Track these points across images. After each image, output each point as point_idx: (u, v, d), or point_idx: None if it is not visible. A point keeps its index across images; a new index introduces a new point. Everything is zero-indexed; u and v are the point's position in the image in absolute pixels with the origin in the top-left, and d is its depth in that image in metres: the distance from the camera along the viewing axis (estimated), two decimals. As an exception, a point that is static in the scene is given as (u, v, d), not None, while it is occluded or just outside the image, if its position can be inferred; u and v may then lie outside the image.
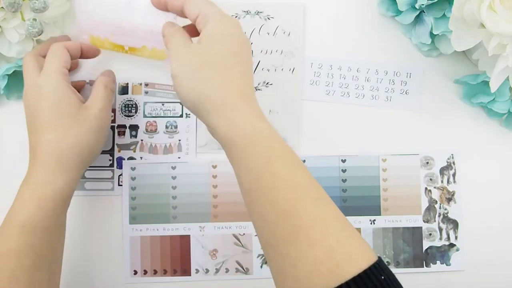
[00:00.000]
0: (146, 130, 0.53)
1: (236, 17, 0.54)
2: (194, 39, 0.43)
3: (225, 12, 0.42)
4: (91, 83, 0.53)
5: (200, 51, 0.40)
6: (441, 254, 0.54)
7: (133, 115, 0.53)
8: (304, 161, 0.54)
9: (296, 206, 0.36)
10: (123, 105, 0.53)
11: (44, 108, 0.43)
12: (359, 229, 0.53)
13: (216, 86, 0.39)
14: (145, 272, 0.53)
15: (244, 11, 0.54)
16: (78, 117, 0.44)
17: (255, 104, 0.40)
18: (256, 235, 0.53)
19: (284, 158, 0.38)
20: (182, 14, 0.43)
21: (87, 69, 0.53)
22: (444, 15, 0.50)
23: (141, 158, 0.53)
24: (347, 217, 0.53)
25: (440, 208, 0.54)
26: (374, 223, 0.54)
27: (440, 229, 0.54)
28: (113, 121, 0.53)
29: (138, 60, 0.54)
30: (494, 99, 0.52)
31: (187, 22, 0.44)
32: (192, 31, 0.44)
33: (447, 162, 0.54)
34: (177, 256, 0.53)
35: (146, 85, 0.54)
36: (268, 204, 0.37)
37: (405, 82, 0.55)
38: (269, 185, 0.37)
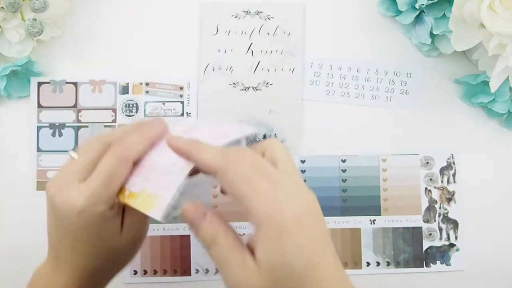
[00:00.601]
0: (146, 130, 0.53)
1: (236, 17, 0.54)
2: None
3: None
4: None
5: (265, 277, 0.31)
6: (441, 254, 0.54)
7: (134, 115, 0.53)
8: (304, 161, 0.54)
9: None
10: (124, 105, 0.53)
11: (85, 238, 0.36)
12: (359, 229, 0.53)
13: None
14: (145, 272, 0.53)
15: (244, 11, 0.54)
16: (119, 250, 0.39)
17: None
18: (256, 235, 0.53)
19: None
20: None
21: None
22: (444, 15, 0.50)
23: (141, 158, 0.53)
24: (347, 217, 0.54)
25: (440, 208, 0.54)
26: (374, 223, 0.54)
27: (440, 229, 0.54)
28: (114, 121, 0.53)
29: (138, 59, 0.54)
30: (494, 99, 0.52)
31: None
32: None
33: (447, 162, 0.54)
34: (177, 256, 0.53)
35: (147, 84, 0.53)
36: None
37: (405, 82, 0.55)
38: None
